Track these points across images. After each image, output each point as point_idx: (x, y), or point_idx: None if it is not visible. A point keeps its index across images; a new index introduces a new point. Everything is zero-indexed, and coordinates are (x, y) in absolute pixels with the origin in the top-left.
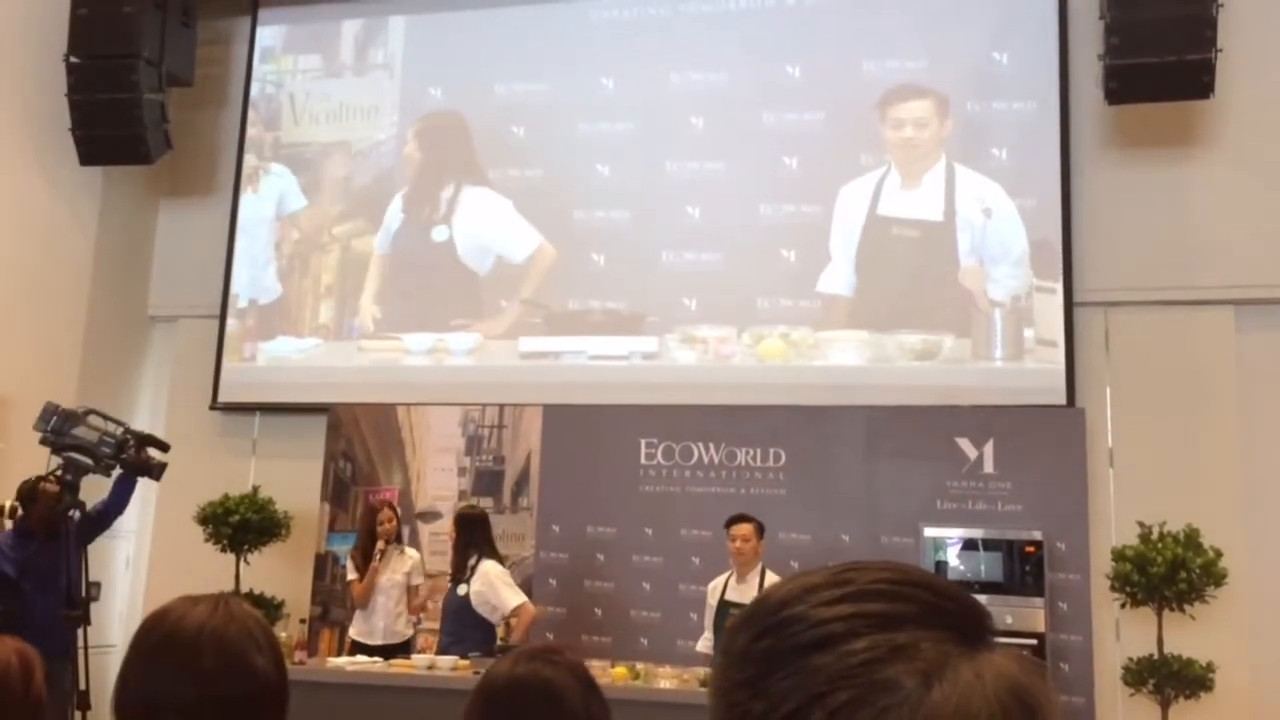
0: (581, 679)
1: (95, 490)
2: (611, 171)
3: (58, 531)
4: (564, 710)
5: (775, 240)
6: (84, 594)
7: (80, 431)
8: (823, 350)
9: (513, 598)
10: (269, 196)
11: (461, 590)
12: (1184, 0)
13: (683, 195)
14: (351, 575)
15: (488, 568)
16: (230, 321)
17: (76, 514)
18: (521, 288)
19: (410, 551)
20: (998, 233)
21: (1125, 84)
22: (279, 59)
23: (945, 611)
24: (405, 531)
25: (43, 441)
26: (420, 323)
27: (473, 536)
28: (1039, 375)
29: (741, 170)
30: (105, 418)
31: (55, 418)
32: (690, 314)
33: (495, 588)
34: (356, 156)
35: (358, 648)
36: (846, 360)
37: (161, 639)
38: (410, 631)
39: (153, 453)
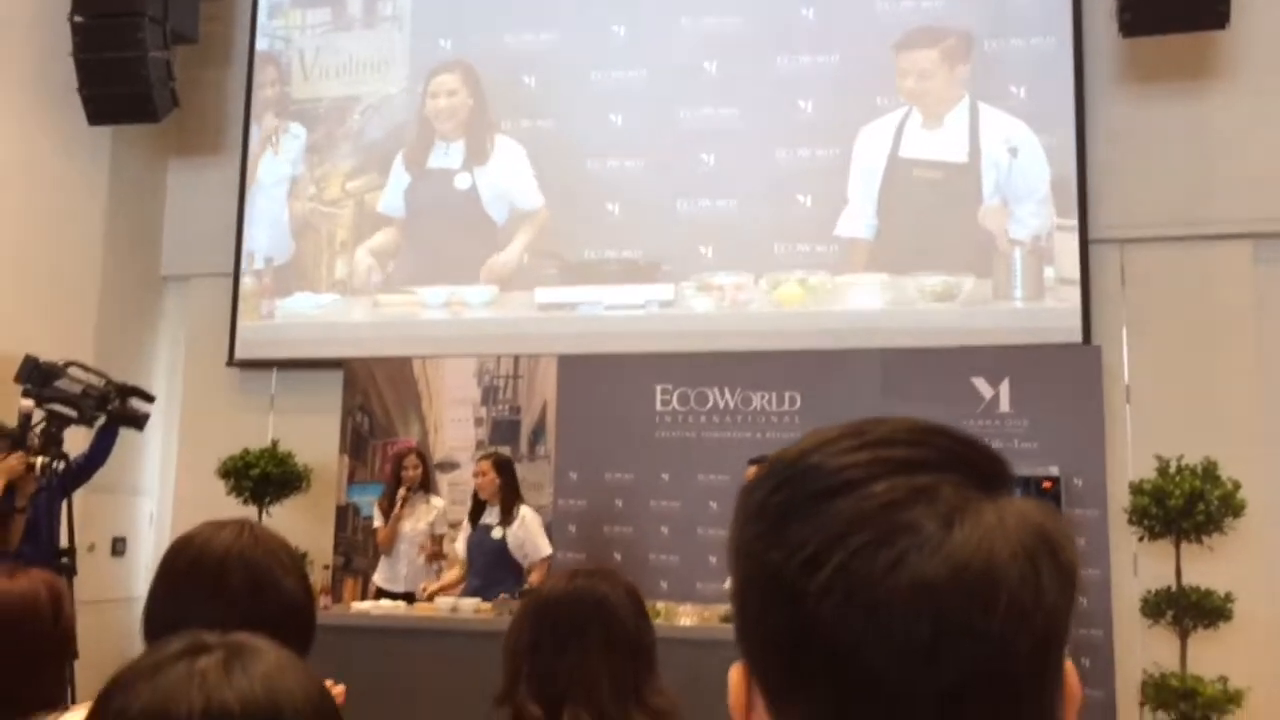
0: (634, 598)
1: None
2: (624, 120)
3: (41, 484)
4: (617, 626)
5: (791, 185)
6: (71, 544)
7: (63, 384)
8: (841, 294)
9: (546, 546)
10: (286, 155)
11: (497, 534)
12: None
13: (697, 142)
14: (377, 522)
15: (525, 513)
16: (247, 280)
17: (60, 465)
18: (521, 238)
19: (435, 500)
20: (1023, 171)
21: (1139, 15)
22: (287, 13)
23: (965, 457)
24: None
25: (25, 394)
26: (437, 275)
27: (513, 481)
28: (1057, 314)
29: (756, 115)
30: (86, 369)
31: (36, 370)
32: (707, 261)
33: (533, 534)
34: (368, 111)
35: (382, 594)
36: (866, 304)
37: (189, 563)
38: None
39: (136, 403)
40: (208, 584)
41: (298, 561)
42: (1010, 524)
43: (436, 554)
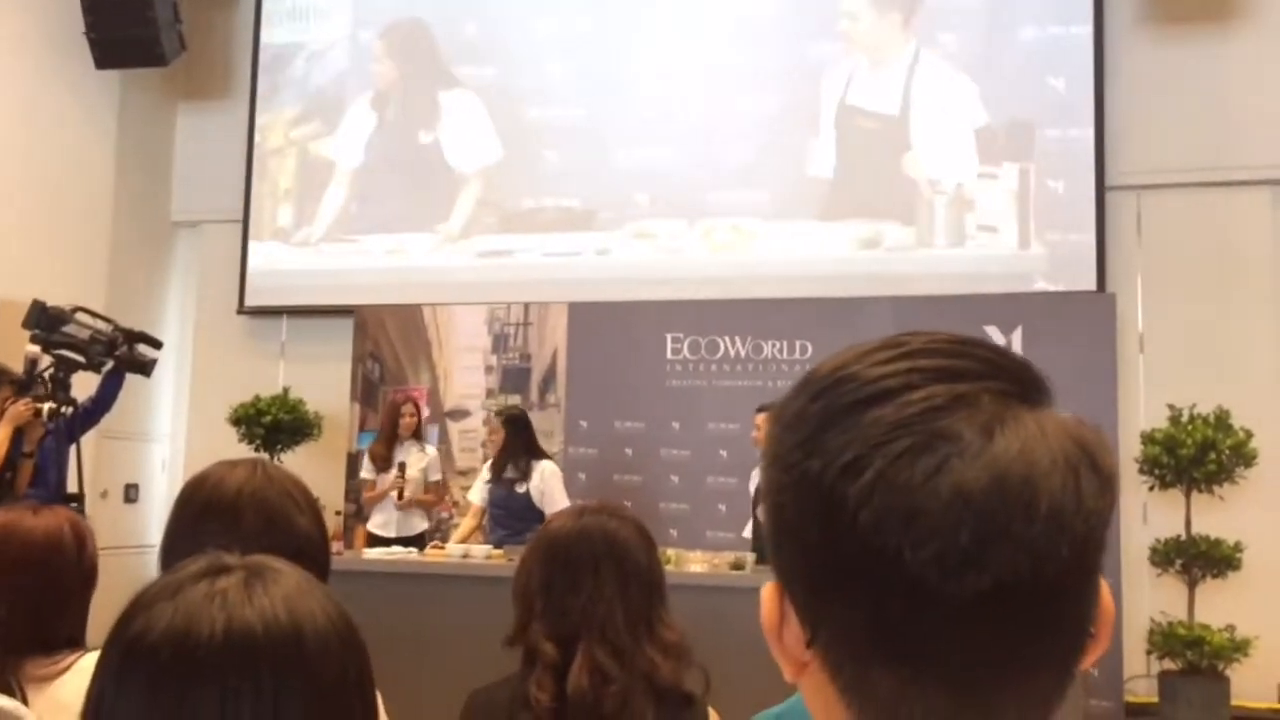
0: (643, 534)
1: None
2: (564, 69)
3: (49, 428)
4: (629, 561)
5: (728, 132)
6: (80, 490)
7: (70, 329)
8: (782, 240)
9: (564, 500)
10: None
11: (521, 489)
12: None
13: (637, 90)
14: (365, 473)
15: (545, 466)
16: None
17: (69, 410)
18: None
19: (428, 448)
20: (951, 120)
21: None
22: None
23: (1003, 368)
24: (435, 430)
25: (33, 340)
26: (393, 224)
27: (526, 437)
28: (1071, 262)
29: (698, 64)
30: (93, 315)
31: (44, 315)
32: (642, 209)
33: (551, 488)
34: (312, 58)
35: (373, 540)
36: (814, 250)
37: (202, 502)
38: (425, 525)
39: (143, 349)
40: (222, 523)
41: (311, 500)
42: (1050, 433)
43: (436, 502)
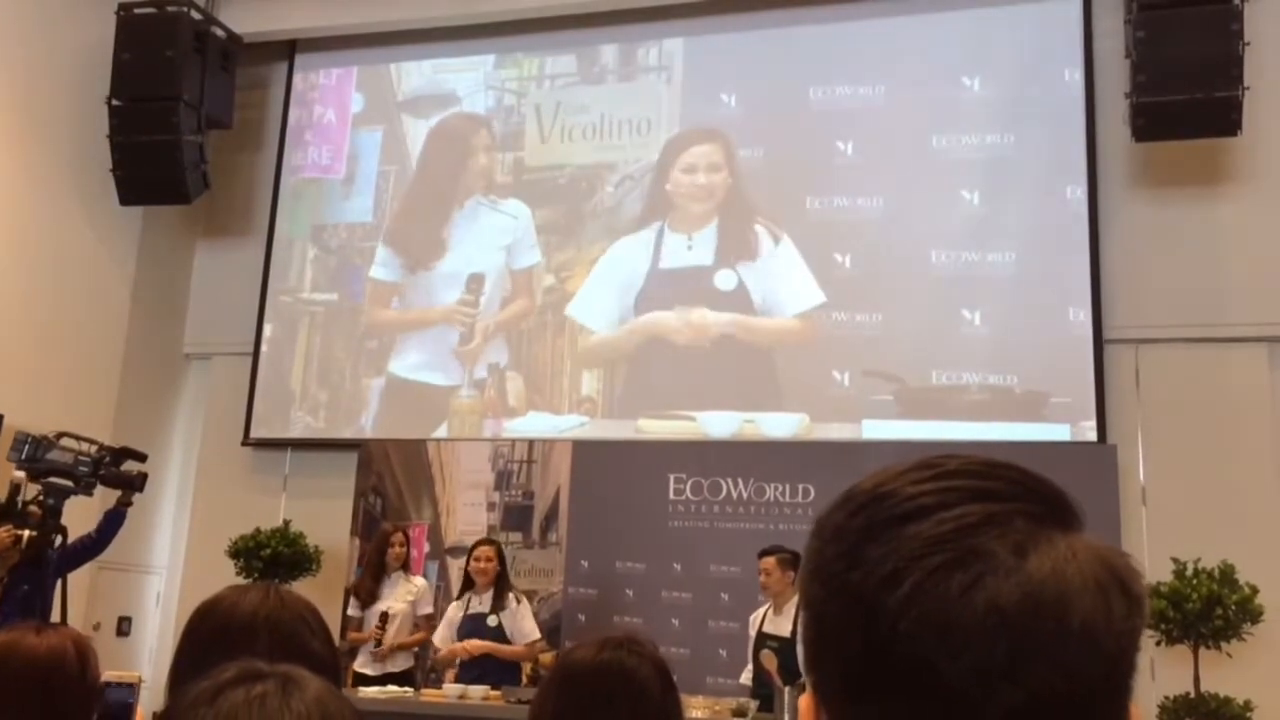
0: (662, 673)
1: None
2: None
3: (41, 558)
4: (644, 701)
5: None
6: (63, 620)
7: (55, 455)
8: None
9: (534, 631)
10: (500, 237)
11: (493, 621)
12: (1210, 38)
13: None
14: (351, 610)
15: (515, 599)
16: (466, 391)
17: (59, 538)
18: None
19: (417, 580)
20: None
21: (1152, 121)
22: (521, 64)
23: (1035, 491)
24: (435, 566)
25: (19, 469)
26: (713, 400)
27: (505, 568)
28: (1071, 412)
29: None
30: (78, 438)
31: (27, 445)
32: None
33: (521, 621)
34: (625, 182)
35: (359, 679)
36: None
37: (216, 626)
38: (411, 662)
39: (130, 465)
40: (235, 647)
41: (323, 624)
42: (1081, 555)
43: (424, 638)
